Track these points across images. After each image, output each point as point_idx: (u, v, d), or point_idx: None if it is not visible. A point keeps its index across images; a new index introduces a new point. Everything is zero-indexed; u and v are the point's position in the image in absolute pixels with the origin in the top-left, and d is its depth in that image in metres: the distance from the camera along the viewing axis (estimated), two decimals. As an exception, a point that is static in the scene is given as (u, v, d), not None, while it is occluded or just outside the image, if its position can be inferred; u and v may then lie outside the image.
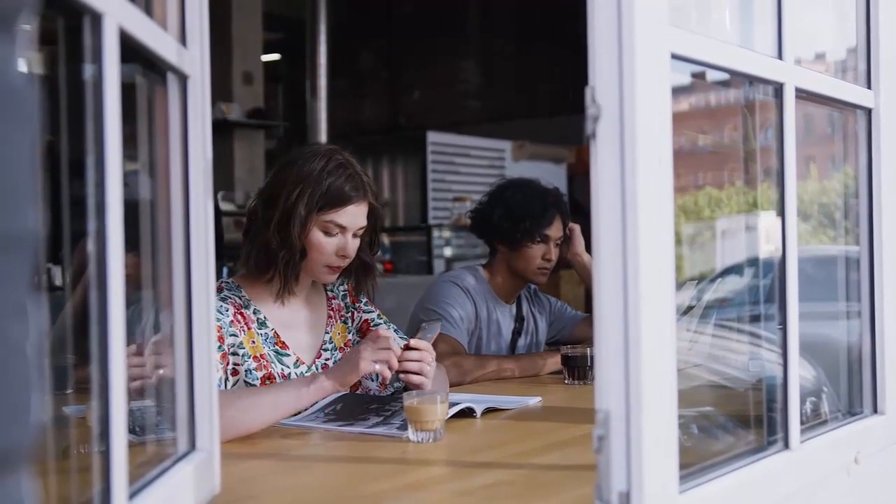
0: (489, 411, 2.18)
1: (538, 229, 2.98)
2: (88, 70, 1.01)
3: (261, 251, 2.22)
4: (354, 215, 2.23)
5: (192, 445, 1.37)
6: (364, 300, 2.47)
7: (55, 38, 1.01)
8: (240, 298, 2.24)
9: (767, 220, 1.89)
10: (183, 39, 1.35)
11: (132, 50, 1.12)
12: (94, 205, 1.00)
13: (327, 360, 2.32)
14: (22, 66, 0.58)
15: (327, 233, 2.22)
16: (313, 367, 2.28)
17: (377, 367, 2.03)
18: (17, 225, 0.56)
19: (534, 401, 2.34)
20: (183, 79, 1.35)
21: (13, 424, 0.57)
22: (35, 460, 0.61)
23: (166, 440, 1.40)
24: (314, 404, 2.10)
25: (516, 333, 3.13)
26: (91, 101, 1.00)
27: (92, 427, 1.48)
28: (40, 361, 0.59)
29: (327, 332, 2.36)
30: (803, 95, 1.58)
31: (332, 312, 2.40)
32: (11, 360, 0.56)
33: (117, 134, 1.02)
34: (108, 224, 1.00)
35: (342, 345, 2.37)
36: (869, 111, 1.80)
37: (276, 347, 2.24)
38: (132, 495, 1.09)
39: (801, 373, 1.57)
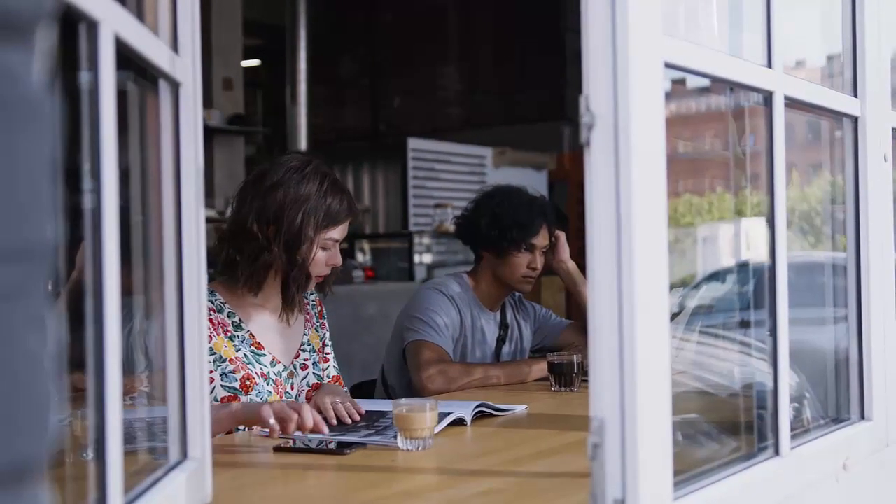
0: (479, 416, 2.19)
1: (525, 238, 2.98)
2: (84, 77, 1.00)
3: (263, 271, 2.28)
4: (346, 228, 2.36)
5: (184, 454, 1.36)
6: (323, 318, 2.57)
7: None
8: (213, 303, 2.28)
9: (749, 227, 1.90)
10: (175, 47, 1.35)
11: (125, 57, 1.11)
12: (90, 211, 0.99)
13: (306, 360, 2.42)
14: (39, 76, 0.58)
15: (324, 248, 2.31)
16: (290, 367, 2.37)
17: (272, 421, 1.93)
18: (35, 236, 0.56)
19: (521, 408, 2.35)
20: (175, 86, 1.34)
21: (32, 436, 0.56)
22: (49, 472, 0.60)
23: (157, 449, 1.39)
24: None
25: (501, 341, 3.13)
26: (87, 109, 0.99)
27: (78, 435, 1.47)
28: (57, 372, 0.59)
29: (305, 334, 2.45)
30: (791, 103, 1.59)
31: (308, 316, 2.49)
32: (30, 372, 0.55)
33: (113, 141, 1.01)
34: (104, 231, 1.00)
35: (318, 348, 2.48)
36: (855, 119, 1.82)
37: (252, 348, 2.30)
38: (126, 505, 1.08)
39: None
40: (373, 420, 2.15)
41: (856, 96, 1.82)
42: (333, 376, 2.50)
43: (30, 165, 0.55)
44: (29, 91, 0.56)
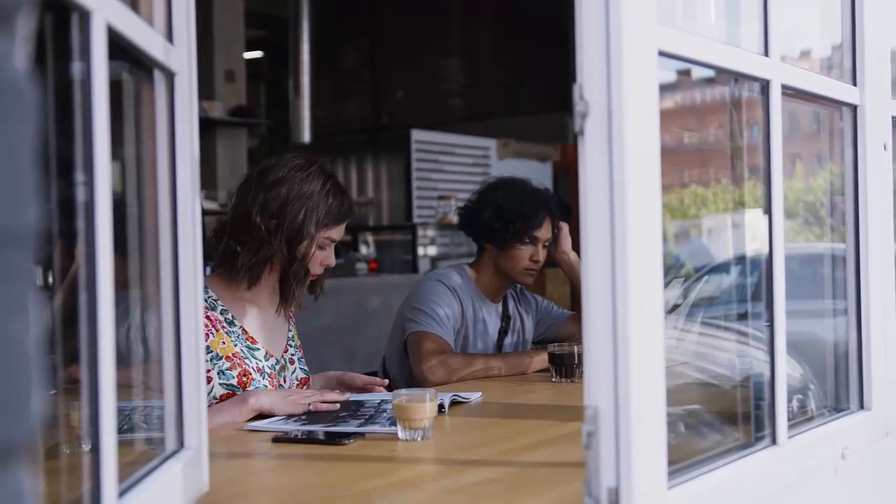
0: (454, 404, 2.23)
1: (528, 231, 2.97)
2: (76, 67, 1.00)
3: (263, 264, 2.30)
4: (343, 230, 2.40)
5: (181, 444, 1.37)
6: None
7: (41, 34, 1.00)
8: (206, 301, 2.29)
9: (753, 218, 1.90)
10: (170, 37, 1.35)
11: (118, 47, 1.11)
12: (83, 204, 0.99)
13: (293, 355, 2.47)
14: (21, 63, 0.58)
15: (321, 247, 2.35)
16: (282, 360, 2.42)
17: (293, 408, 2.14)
18: (19, 221, 0.56)
19: (475, 396, 2.38)
20: (170, 76, 1.34)
21: (14, 420, 0.56)
22: (33, 456, 0.61)
23: (154, 438, 1.39)
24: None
25: (503, 332, 3.13)
26: (79, 99, 0.99)
27: (74, 426, 1.48)
28: (40, 357, 0.59)
29: (290, 330, 2.50)
30: (789, 92, 1.59)
31: (291, 314, 2.52)
32: (13, 356, 0.56)
33: (105, 132, 1.01)
34: (96, 223, 1.00)
35: (299, 344, 2.53)
36: (854, 108, 1.81)
37: (248, 343, 2.33)
38: (121, 494, 1.08)
39: (787, 370, 1.57)
40: (354, 410, 2.15)
41: (855, 85, 1.82)
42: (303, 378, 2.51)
43: (12, 152, 0.55)
44: (10, 78, 0.56)
